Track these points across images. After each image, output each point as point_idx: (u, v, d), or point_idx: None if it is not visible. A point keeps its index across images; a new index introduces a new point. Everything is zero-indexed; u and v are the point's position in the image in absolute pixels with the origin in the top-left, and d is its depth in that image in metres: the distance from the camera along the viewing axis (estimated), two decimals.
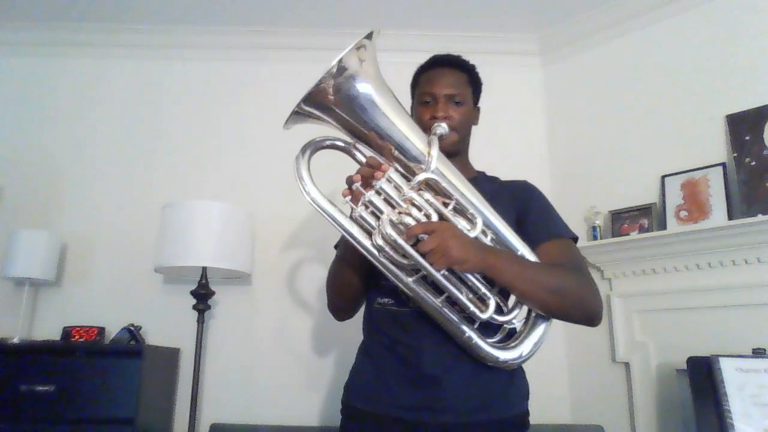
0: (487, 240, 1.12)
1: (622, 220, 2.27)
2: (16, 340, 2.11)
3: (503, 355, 1.11)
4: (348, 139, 1.16)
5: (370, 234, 1.08)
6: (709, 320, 1.98)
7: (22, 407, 1.90)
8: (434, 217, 1.05)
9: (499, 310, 1.11)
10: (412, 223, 1.03)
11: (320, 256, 2.38)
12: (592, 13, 2.50)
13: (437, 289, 1.09)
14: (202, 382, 2.25)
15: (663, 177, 2.20)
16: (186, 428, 2.09)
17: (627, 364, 2.19)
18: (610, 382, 2.24)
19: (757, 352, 1.75)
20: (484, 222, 1.11)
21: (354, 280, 1.25)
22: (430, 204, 1.06)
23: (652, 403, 2.09)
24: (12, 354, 2.00)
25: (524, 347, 1.12)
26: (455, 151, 1.29)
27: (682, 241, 2.05)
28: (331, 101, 1.07)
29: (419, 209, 1.05)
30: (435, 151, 1.09)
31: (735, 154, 2.03)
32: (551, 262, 1.17)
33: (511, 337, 1.17)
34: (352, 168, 1.12)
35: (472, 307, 1.07)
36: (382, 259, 1.08)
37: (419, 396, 1.14)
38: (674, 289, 2.09)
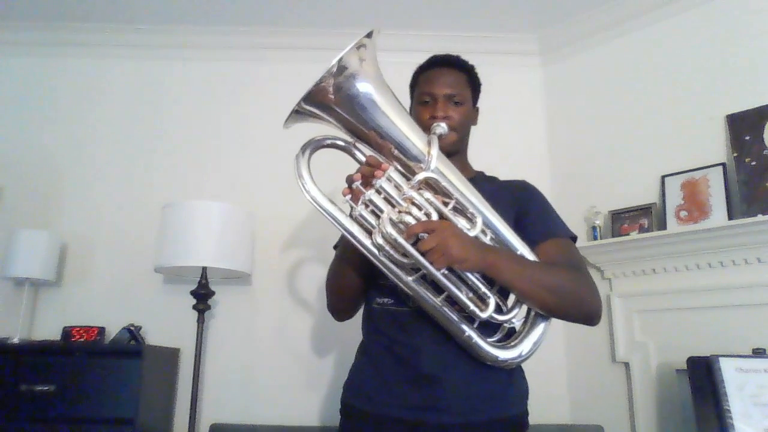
0: (486, 239, 1.12)
1: (622, 220, 2.27)
2: (16, 340, 2.11)
3: (503, 355, 1.11)
4: (348, 138, 1.16)
5: (370, 233, 1.08)
6: (709, 320, 1.98)
7: (22, 407, 1.90)
8: (434, 216, 1.06)
9: (498, 310, 1.11)
10: (413, 221, 1.03)
11: (320, 256, 2.38)
12: (592, 13, 2.50)
13: (437, 288, 1.09)
14: (202, 382, 2.25)
15: (663, 177, 2.20)
16: (186, 428, 2.09)
17: (627, 364, 2.19)
18: (610, 382, 2.24)
19: (757, 352, 1.75)
20: (484, 221, 1.11)
21: (354, 280, 1.25)
22: (430, 203, 1.07)
23: (652, 403, 2.09)
24: (12, 354, 2.00)
25: (524, 346, 1.12)
26: (454, 151, 1.29)
27: (682, 241, 2.05)
28: (332, 100, 1.07)
29: (419, 208, 1.05)
30: (435, 150, 1.09)
31: (735, 154, 2.03)
32: (550, 261, 1.17)
33: (510, 336, 1.17)
34: (352, 167, 1.13)
35: (472, 306, 1.07)
36: (382, 258, 1.08)
37: (418, 396, 1.14)
38: (674, 289, 2.09)
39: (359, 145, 1.16)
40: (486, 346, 1.10)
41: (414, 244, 1.03)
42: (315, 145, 1.16)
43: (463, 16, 2.54)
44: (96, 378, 1.95)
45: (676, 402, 1.99)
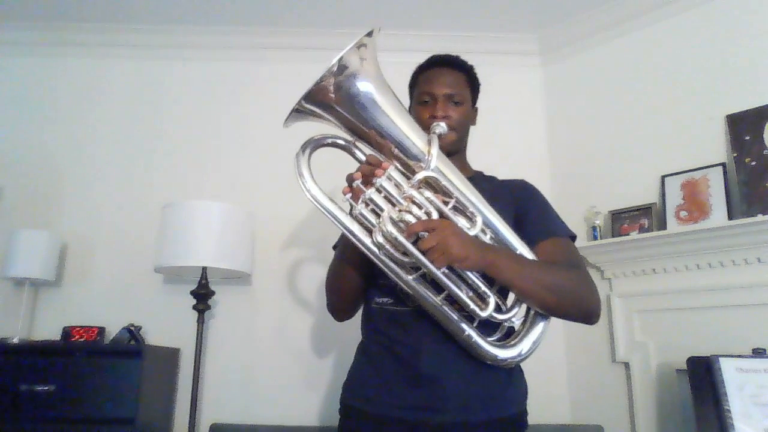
0: (486, 238, 1.12)
1: (622, 220, 2.27)
2: (16, 340, 2.11)
3: (502, 354, 1.11)
4: (348, 137, 1.16)
5: (370, 232, 1.08)
6: (709, 320, 1.98)
7: (22, 407, 1.90)
8: (434, 215, 1.06)
9: (498, 309, 1.11)
10: (413, 220, 1.03)
11: (320, 256, 2.38)
12: (592, 13, 2.50)
13: (437, 287, 1.09)
14: (202, 382, 2.25)
15: (663, 177, 2.20)
16: (186, 428, 2.09)
17: (627, 364, 2.19)
18: (610, 382, 2.24)
19: (757, 352, 1.75)
20: (484, 221, 1.11)
21: (354, 279, 1.25)
22: (431, 202, 1.07)
23: (652, 403, 2.09)
24: (12, 354, 2.00)
25: (523, 345, 1.12)
26: (454, 151, 1.29)
27: (682, 241, 2.06)
28: (332, 99, 1.07)
29: (420, 207, 1.05)
30: (435, 149, 1.09)
31: (735, 154, 2.04)
32: (549, 260, 1.17)
33: (510, 335, 1.17)
34: (352, 166, 1.13)
35: (472, 305, 1.07)
36: (383, 257, 1.08)
37: (418, 395, 1.14)
38: (674, 289, 2.09)
39: (359, 144, 1.16)
40: (486, 345, 1.10)
41: (414, 243, 1.03)
42: (315, 144, 1.16)
43: (463, 16, 2.54)
44: (96, 378, 1.94)
45: (676, 402, 1.99)
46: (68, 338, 2.16)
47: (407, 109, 1.23)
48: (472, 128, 1.40)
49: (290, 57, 2.62)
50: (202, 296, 2.16)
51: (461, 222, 1.08)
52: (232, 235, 2.14)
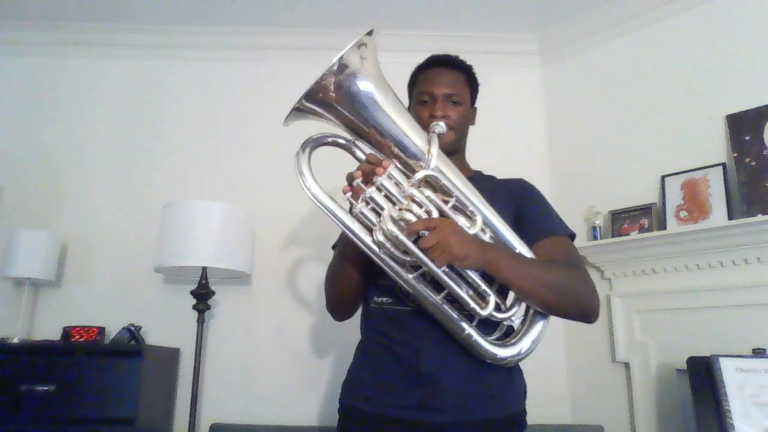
0: (486, 237, 1.13)
1: (622, 220, 2.27)
2: (16, 340, 2.11)
3: (502, 353, 1.11)
4: (348, 136, 1.16)
5: (370, 230, 1.08)
6: (709, 320, 1.98)
7: (22, 407, 1.90)
8: (435, 214, 1.06)
9: (497, 308, 1.11)
10: (413, 219, 1.03)
11: (320, 256, 2.38)
12: (592, 13, 2.50)
13: (437, 286, 1.09)
14: (202, 382, 2.25)
15: (663, 177, 2.20)
16: (186, 428, 2.09)
17: (627, 364, 2.19)
18: (610, 382, 2.24)
19: (757, 352, 1.75)
20: (483, 220, 1.12)
21: (353, 279, 1.25)
22: (431, 201, 1.07)
23: (652, 403, 2.09)
24: (12, 354, 2.00)
25: (523, 344, 1.13)
26: (453, 150, 1.29)
27: (682, 241, 2.05)
28: (332, 98, 1.07)
29: (420, 206, 1.06)
30: (435, 149, 1.10)
31: (735, 154, 2.04)
32: (549, 259, 1.18)
33: (509, 334, 1.17)
34: (352, 166, 1.13)
35: (472, 304, 1.07)
36: (383, 256, 1.08)
37: (417, 395, 1.14)
38: (674, 289, 2.09)
39: (359, 143, 1.16)
40: (485, 344, 1.11)
41: (415, 242, 1.03)
42: (315, 143, 1.17)
43: (464, 16, 2.54)
44: (96, 378, 1.94)
45: (676, 402, 1.99)
46: (68, 338, 2.16)
47: (407, 108, 1.23)
48: (471, 128, 1.40)
49: (290, 57, 2.62)
50: (202, 296, 2.16)
51: (461, 221, 1.09)
52: (232, 235, 2.14)
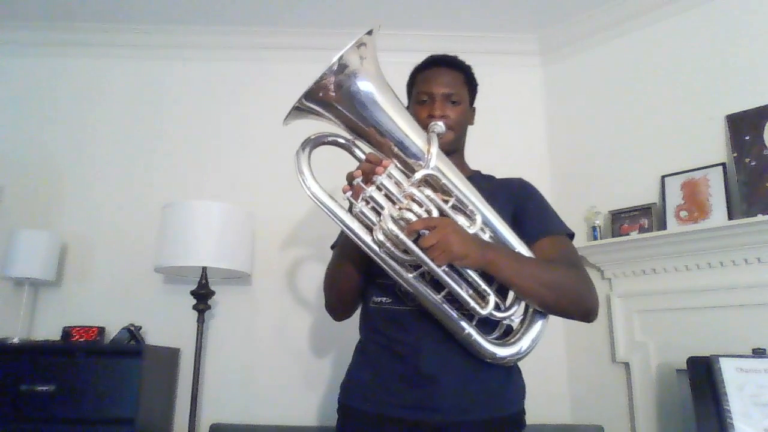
0: (485, 237, 1.13)
1: (622, 220, 2.27)
2: (16, 340, 2.11)
3: (501, 352, 1.11)
4: (348, 135, 1.16)
5: (370, 230, 1.08)
6: (709, 320, 1.98)
7: (22, 407, 1.90)
8: (435, 213, 1.06)
9: (497, 307, 1.11)
10: (413, 218, 1.03)
11: (320, 256, 2.38)
12: (592, 13, 2.50)
13: (437, 285, 1.09)
14: (202, 382, 2.25)
15: (663, 177, 2.20)
16: (186, 428, 2.09)
17: (627, 364, 2.19)
18: (610, 382, 2.24)
19: (757, 352, 1.75)
20: (483, 219, 1.12)
21: (353, 278, 1.25)
22: (431, 200, 1.07)
23: (652, 403, 2.09)
24: (12, 354, 2.00)
25: (522, 343, 1.13)
26: (452, 150, 1.30)
27: (682, 241, 2.05)
28: (332, 97, 1.07)
29: (420, 205, 1.06)
30: (435, 148, 1.10)
31: (735, 154, 2.04)
32: (548, 258, 1.18)
33: (508, 334, 1.17)
34: (352, 165, 1.13)
35: (472, 303, 1.07)
36: (383, 255, 1.08)
37: (416, 395, 1.14)
38: (674, 289, 2.09)
39: (359, 143, 1.16)
40: (485, 343, 1.11)
41: (415, 241, 1.03)
42: (315, 142, 1.17)
43: (464, 16, 2.54)
44: (96, 378, 1.94)
45: (676, 402, 1.99)
46: (68, 338, 2.16)
47: (406, 108, 1.23)
48: (471, 128, 1.41)
49: (290, 57, 2.62)
50: (202, 296, 2.16)
51: (461, 220, 1.09)
52: (232, 235, 2.14)
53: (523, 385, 1.26)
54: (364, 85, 1.08)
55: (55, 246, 2.28)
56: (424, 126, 1.19)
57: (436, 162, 1.09)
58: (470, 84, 1.37)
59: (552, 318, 1.17)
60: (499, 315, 1.11)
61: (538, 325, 1.14)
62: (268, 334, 2.38)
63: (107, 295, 2.39)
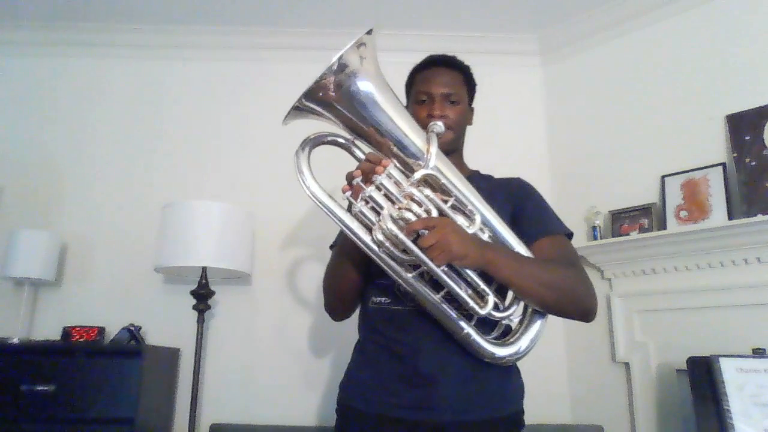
0: (484, 236, 1.13)
1: (622, 220, 2.27)
2: (16, 340, 2.11)
3: (500, 352, 1.11)
4: (347, 135, 1.16)
5: (369, 229, 1.08)
6: (709, 320, 1.98)
7: (22, 407, 1.90)
8: (434, 213, 1.06)
9: (496, 307, 1.11)
10: (413, 218, 1.04)
11: (320, 256, 2.38)
12: (592, 13, 2.50)
13: (436, 285, 1.09)
14: (202, 382, 2.25)
15: (663, 177, 2.20)
16: (186, 428, 2.09)
17: (627, 364, 2.19)
18: (610, 382, 2.24)
19: (757, 352, 1.75)
20: (482, 219, 1.12)
21: (352, 278, 1.25)
22: (430, 200, 1.07)
23: (652, 403, 2.09)
24: (12, 354, 2.00)
25: (521, 343, 1.13)
26: (451, 150, 1.30)
27: (682, 241, 2.05)
28: (332, 97, 1.07)
29: (419, 205, 1.06)
30: (434, 148, 1.10)
31: (735, 154, 2.03)
32: (546, 258, 1.18)
33: (507, 334, 1.17)
34: (351, 165, 1.13)
35: (471, 303, 1.07)
36: (382, 255, 1.08)
37: (415, 395, 1.14)
38: (674, 289, 2.09)
39: (358, 143, 1.16)
40: (484, 343, 1.11)
41: (414, 241, 1.03)
42: (315, 141, 1.17)
43: (463, 16, 2.54)
44: (96, 378, 1.94)
45: (676, 402, 1.99)
46: (68, 338, 2.16)
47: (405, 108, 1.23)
48: (471, 128, 1.41)
49: (290, 57, 2.62)
50: (202, 296, 2.16)
51: (460, 220, 1.09)
52: (232, 235, 2.14)
53: (522, 385, 1.26)
54: (364, 85, 1.08)
55: (55, 246, 2.28)
56: (424, 126, 1.19)
57: (435, 162, 1.09)
58: (469, 84, 1.37)
59: (552, 318, 1.18)
60: (498, 315, 1.11)
61: (537, 325, 1.15)
62: (268, 334, 2.38)
63: (107, 295, 2.39)
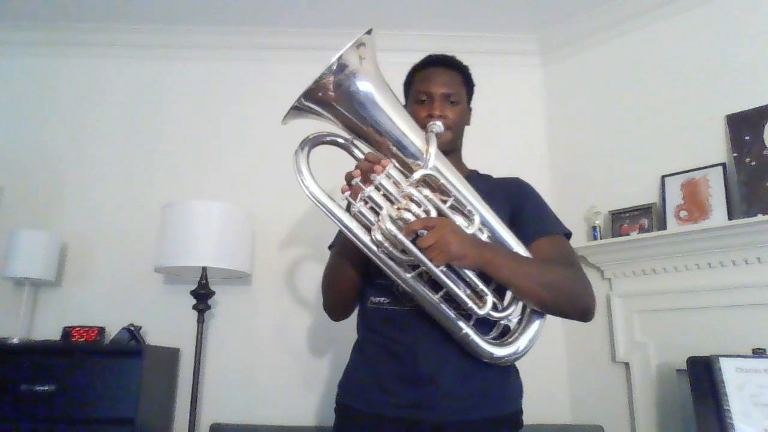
0: (483, 237, 1.13)
1: (622, 220, 2.27)
2: (16, 340, 2.11)
3: (499, 352, 1.11)
4: (347, 135, 1.16)
5: (368, 229, 1.09)
6: (709, 320, 1.98)
7: (22, 407, 1.90)
8: (433, 213, 1.06)
9: (494, 307, 1.11)
10: (412, 218, 1.04)
11: (320, 256, 2.37)
12: (592, 13, 2.50)
13: (435, 285, 1.09)
14: (202, 382, 2.25)
15: (663, 177, 2.20)
16: (186, 428, 2.09)
17: (627, 364, 2.19)
18: (610, 382, 2.23)
19: (757, 352, 1.75)
20: (481, 219, 1.12)
21: (351, 278, 1.25)
22: (429, 200, 1.07)
23: (652, 403, 2.09)
24: (12, 354, 2.00)
25: (520, 343, 1.13)
26: (449, 150, 1.30)
27: (682, 241, 2.05)
28: (331, 97, 1.07)
29: (418, 205, 1.06)
30: (433, 148, 1.10)
31: (735, 154, 2.03)
32: (545, 258, 1.18)
33: (506, 334, 1.17)
34: (350, 166, 1.13)
35: (470, 303, 1.07)
36: (381, 255, 1.08)
37: (414, 394, 1.14)
38: (674, 289, 2.09)
39: (357, 142, 1.16)
40: (482, 343, 1.11)
41: (413, 241, 1.03)
42: (314, 141, 1.17)
43: (463, 16, 2.54)
44: (96, 378, 1.94)
45: (676, 402, 1.99)
46: (68, 338, 2.16)
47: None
48: (472, 128, 1.41)
49: (290, 57, 2.62)
50: (202, 296, 2.16)
51: (459, 220, 1.09)
52: (232, 235, 2.14)
53: (521, 384, 1.26)
54: (363, 85, 1.08)
55: (55, 246, 2.28)
56: (423, 126, 1.20)
57: (434, 162, 1.09)
58: (468, 84, 1.38)
59: (552, 318, 1.18)
60: (497, 315, 1.11)
61: (535, 325, 1.15)
62: (268, 334, 2.38)
63: (107, 295, 2.40)
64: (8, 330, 2.20)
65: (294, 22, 2.59)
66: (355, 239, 1.09)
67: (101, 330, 2.20)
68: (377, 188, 1.07)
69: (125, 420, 1.90)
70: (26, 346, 2.09)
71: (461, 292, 1.07)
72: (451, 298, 1.09)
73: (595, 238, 2.30)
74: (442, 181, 1.10)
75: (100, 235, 2.47)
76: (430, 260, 1.03)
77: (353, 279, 1.25)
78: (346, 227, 1.09)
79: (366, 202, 1.07)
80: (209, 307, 2.19)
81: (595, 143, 2.46)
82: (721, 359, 1.71)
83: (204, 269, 2.15)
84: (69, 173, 2.54)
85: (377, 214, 1.07)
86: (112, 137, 2.59)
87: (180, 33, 2.65)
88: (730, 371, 1.69)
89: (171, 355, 2.29)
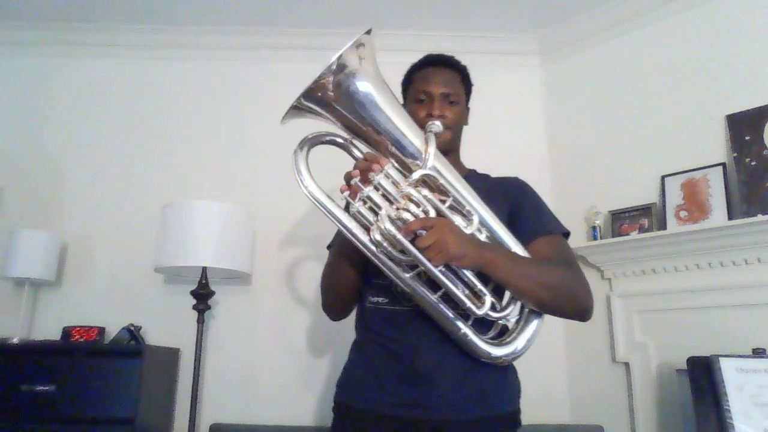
0: (482, 237, 1.13)
1: (622, 220, 2.27)
2: (16, 340, 2.11)
3: (497, 351, 1.12)
4: (346, 134, 1.16)
5: (367, 229, 1.08)
6: (709, 320, 1.98)
7: (22, 407, 1.90)
8: (432, 213, 1.06)
9: (493, 307, 1.11)
10: (411, 218, 1.04)
11: (320, 256, 2.36)
12: (592, 13, 2.50)
13: (433, 285, 1.09)
14: (202, 382, 2.25)
15: (663, 177, 2.20)
16: (186, 428, 2.09)
17: (627, 364, 2.19)
18: (610, 382, 2.23)
19: (757, 352, 1.75)
20: (480, 219, 1.12)
21: (350, 277, 1.25)
22: (428, 200, 1.07)
23: (652, 403, 2.08)
24: (12, 354, 2.00)
25: (518, 343, 1.13)
26: (448, 150, 1.30)
27: (682, 241, 2.05)
28: (331, 97, 1.07)
29: (417, 205, 1.06)
30: (432, 148, 1.10)
31: (735, 154, 2.03)
32: (543, 258, 1.18)
33: (504, 333, 1.17)
34: (350, 166, 1.13)
35: (468, 303, 1.07)
36: (380, 255, 1.08)
37: (412, 393, 1.14)
38: (674, 289, 2.09)
39: (356, 142, 1.16)
40: (481, 343, 1.11)
41: (412, 241, 1.03)
42: (313, 141, 1.17)
43: (463, 16, 2.54)
44: (96, 378, 1.94)
45: (676, 402, 1.99)
46: (68, 338, 2.17)
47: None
48: (471, 128, 1.41)
49: (290, 57, 2.62)
50: (202, 296, 2.16)
51: (458, 220, 1.09)
52: (232, 235, 2.14)
53: (519, 384, 1.26)
54: (363, 85, 1.07)
55: (55, 246, 2.28)
56: (422, 125, 1.20)
57: (433, 162, 1.09)
58: (466, 84, 1.38)
59: (551, 318, 1.18)
60: (495, 315, 1.11)
61: (533, 325, 1.15)
62: (268, 334, 2.38)
63: (107, 295, 2.40)
64: (8, 330, 2.20)
65: (294, 22, 2.59)
66: (354, 239, 1.09)
67: (101, 330, 2.21)
68: (376, 188, 1.07)
69: (125, 420, 1.91)
70: (26, 346, 2.09)
71: (460, 292, 1.07)
72: (449, 298, 1.09)
73: (595, 238, 2.30)
74: (441, 181, 1.10)
75: (100, 235, 2.47)
76: (429, 260, 1.03)
77: (352, 279, 1.25)
78: (345, 227, 1.09)
79: (365, 202, 1.07)
80: (209, 307, 2.19)
81: (595, 143, 2.46)
82: (721, 359, 1.71)
83: (204, 269, 2.15)
84: (69, 173, 2.54)
85: (376, 214, 1.07)
86: (112, 137, 2.59)
87: (180, 33, 2.65)
88: (730, 371, 1.69)
89: (171, 355, 2.29)
